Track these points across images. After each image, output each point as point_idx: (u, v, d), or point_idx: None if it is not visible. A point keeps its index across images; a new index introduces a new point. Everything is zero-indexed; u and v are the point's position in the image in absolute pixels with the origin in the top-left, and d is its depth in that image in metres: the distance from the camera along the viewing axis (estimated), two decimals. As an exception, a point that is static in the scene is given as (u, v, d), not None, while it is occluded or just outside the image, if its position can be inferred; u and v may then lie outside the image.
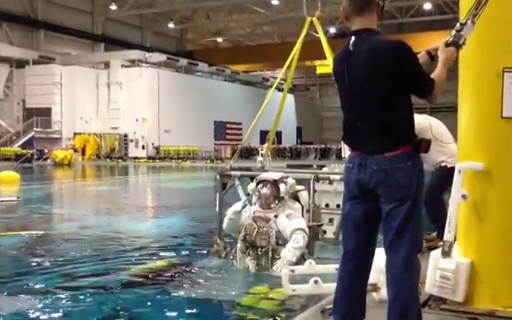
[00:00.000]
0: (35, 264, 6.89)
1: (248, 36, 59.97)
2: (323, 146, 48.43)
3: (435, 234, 5.83)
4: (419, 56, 3.06)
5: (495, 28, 3.75)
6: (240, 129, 53.75)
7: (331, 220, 7.10)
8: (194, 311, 4.88)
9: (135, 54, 47.16)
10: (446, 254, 3.82)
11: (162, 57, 48.00)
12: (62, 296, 5.35)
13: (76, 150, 42.41)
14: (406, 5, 48.36)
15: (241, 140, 51.19)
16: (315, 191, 6.58)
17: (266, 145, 8.38)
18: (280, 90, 10.13)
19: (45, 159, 40.28)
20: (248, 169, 7.84)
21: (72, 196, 19.09)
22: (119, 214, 12.80)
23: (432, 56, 3.17)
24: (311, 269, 4.64)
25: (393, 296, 2.91)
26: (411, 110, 2.98)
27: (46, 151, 41.26)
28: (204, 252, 7.10)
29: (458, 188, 3.82)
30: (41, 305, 5.03)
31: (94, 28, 50.38)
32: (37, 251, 7.84)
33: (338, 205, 6.77)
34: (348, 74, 2.97)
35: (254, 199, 6.37)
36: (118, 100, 45.92)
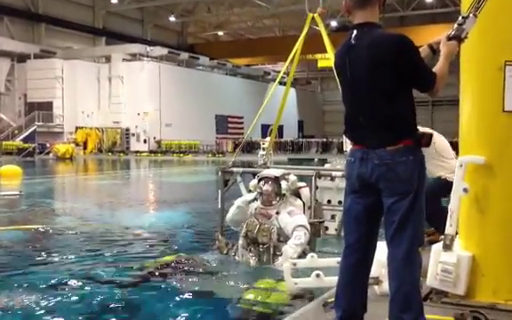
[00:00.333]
0: (38, 258, 6.90)
1: (249, 29, 59.84)
2: (324, 139, 48.40)
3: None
4: (420, 50, 3.06)
5: (497, 21, 3.74)
6: (241, 123, 53.75)
7: (333, 217, 7.12)
8: (198, 305, 4.88)
9: (136, 48, 47.11)
10: (448, 248, 3.83)
11: (163, 51, 47.95)
12: (65, 290, 5.37)
13: (77, 144, 42.45)
14: (408, -2, 48.26)
15: (242, 133, 51.25)
16: (316, 188, 6.59)
17: (268, 139, 8.40)
18: (282, 84, 10.12)
19: (47, 153, 40.32)
20: (250, 165, 7.85)
21: (74, 190, 19.13)
22: (121, 208, 12.83)
23: (434, 50, 3.17)
24: (313, 263, 4.65)
25: (394, 289, 2.92)
26: (412, 104, 2.98)
27: (48, 145, 41.29)
28: (207, 246, 7.11)
29: (459, 181, 3.82)
30: (44, 300, 5.04)
31: (95, 22, 50.31)
32: (40, 245, 7.87)
33: (340, 202, 6.78)
34: (350, 68, 2.97)
35: (256, 196, 6.38)
36: (120, 93, 45.93)
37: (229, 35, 61.69)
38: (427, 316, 2.94)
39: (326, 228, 7.06)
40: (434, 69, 2.96)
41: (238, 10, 53.26)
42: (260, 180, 6.34)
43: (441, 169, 5.88)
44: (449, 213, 3.87)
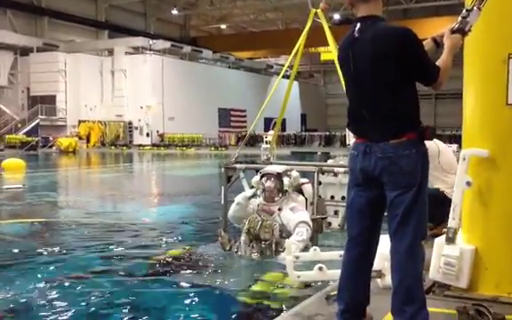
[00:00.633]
0: (41, 252, 6.91)
1: (252, 22, 59.71)
2: (327, 133, 48.38)
3: None
4: (424, 43, 3.05)
5: (501, 14, 3.72)
6: (244, 116, 53.72)
7: (336, 213, 7.12)
8: (203, 299, 4.89)
9: (139, 41, 47.11)
10: (450, 241, 3.83)
11: (166, 44, 47.92)
12: (68, 284, 5.38)
13: (80, 138, 42.53)
14: (411, -9, 48.07)
15: (245, 127, 51.23)
16: (320, 183, 6.59)
17: (271, 132, 8.41)
18: (285, 77, 10.10)
19: (50, 147, 40.39)
20: (253, 162, 7.86)
21: (77, 184, 19.17)
22: (125, 201, 12.87)
23: (438, 43, 3.15)
24: (316, 256, 4.65)
25: (397, 282, 2.92)
26: (416, 98, 2.98)
27: (51, 139, 41.38)
28: (210, 239, 7.12)
29: (462, 174, 3.82)
30: (48, 293, 5.06)
31: (98, 15, 50.28)
32: (43, 238, 7.89)
33: (343, 197, 6.78)
34: (353, 61, 2.97)
35: (258, 192, 6.39)
36: (122, 87, 45.96)
37: (232, 28, 61.57)
38: (429, 308, 2.94)
39: (329, 224, 7.07)
40: (437, 63, 2.95)
41: (241, 3, 53.14)
42: (262, 177, 6.35)
43: (440, 182, 5.81)
44: (452, 207, 3.87)
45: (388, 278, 3.17)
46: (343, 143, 39.00)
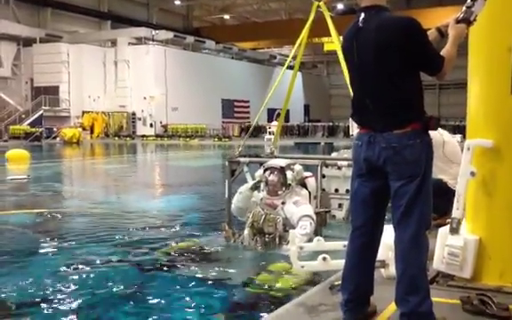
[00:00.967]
0: (45, 242, 6.95)
1: (255, 12, 59.43)
2: (330, 123, 48.29)
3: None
4: (428, 33, 3.04)
5: (506, 2, 3.71)
6: (248, 107, 53.64)
7: (340, 206, 7.13)
8: (209, 290, 4.91)
9: (142, 32, 47.01)
10: (454, 231, 3.83)
11: (169, 34, 47.79)
12: (73, 274, 5.42)
13: (84, 128, 42.58)
14: (415, -20, 47.75)
15: (248, 118, 51.15)
16: (323, 176, 6.59)
17: (274, 123, 8.38)
18: (289, 68, 10.10)
19: (54, 138, 40.49)
20: (257, 155, 7.87)
21: (81, 175, 19.23)
22: (128, 192, 12.91)
23: (442, 33, 3.13)
24: (319, 246, 4.67)
25: (401, 272, 2.93)
26: (420, 88, 2.97)
27: (55, 130, 41.47)
28: (214, 230, 7.14)
29: (466, 164, 3.82)
30: (53, 283, 5.10)
31: (100, 6, 50.13)
32: (48, 229, 7.93)
33: (347, 190, 6.78)
34: (358, 51, 2.96)
35: (262, 185, 6.40)
36: (126, 77, 45.94)
37: (235, 18, 61.32)
38: (433, 298, 2.95)
39: (333, 217, 7.09)
40: (442, 52, 2.94)
41: (244, -7, 52.90)
42: (265, 171, 6.36)
43: (443, 173, 5.76)
44: (456, 197, 3.86)
45: (392, 268, 3.18)
46: (346, 134, 38.98)
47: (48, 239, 7.08)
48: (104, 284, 5.10)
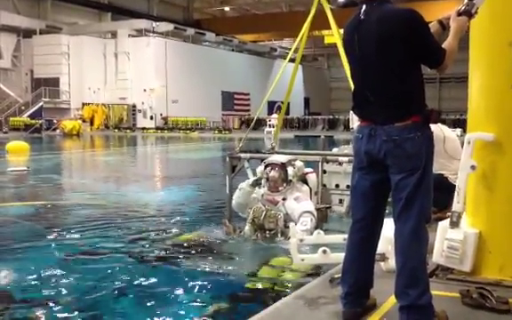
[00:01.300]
0: (46, 234, 6.95)
1: (255, 4, 59.26)
2: (330, 117, 48.24)
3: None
4: (430, 25, 3.02)
5: (508, -4, 3.69)
6: (248, 99, 53.60)
7: (341, 201, 7.13)
8: (209, 283, 4.90)
9: (142, 24, 46.90)
10: (454, 225, 3.83)
11: (169, 26, 47.69)
12: (74, 266, 5.42)
13: (84, 120, 42.57)
14: (417, -27, 47.49)
15: (248, 110, 51.11)
16: (324, 172, 6.58)
17: (274, 115, 8.36)
18: (290, 60, 10.09)
19: (54, 129, 40.47)
20: (257, 151, 7.87)
21: (81, 167, 19.22)
22: (129, 184, 12.90)
23: (444, 25, 3.12)
24: (319, 239, 4.67)
25: (401, 265, 2.93)
26: (421, 80, 2.96)
27: (55, 121, 41.45)
28: (216, 223, 7.13)
29: (467, 158, 3.81)
30: (54, 275, 5.10)
31: (101, -3, 50.06)
32: (48, 221, 7.94)
33: (348, 186, 6.78)
34: (359, 43, 2.95)
35: (263, 181, 6.40)
36: (126, 70, 45.88)
37: (235, 10, 61.15)
38: (432, 292, 2.95)
39: (334, 213, 7.09)
40: (443, 45, 2.93)
41: (245, -15, 52.71)
42: (266, 167, 6.36)
43: (444, 167, 5.75)
44: (456, 190, 3.86)
45: (392, 261, 3.18)
46: (346, 127, 38.93)
47: (48, 231, 7.08)
48: (105, 275, 5.10)
